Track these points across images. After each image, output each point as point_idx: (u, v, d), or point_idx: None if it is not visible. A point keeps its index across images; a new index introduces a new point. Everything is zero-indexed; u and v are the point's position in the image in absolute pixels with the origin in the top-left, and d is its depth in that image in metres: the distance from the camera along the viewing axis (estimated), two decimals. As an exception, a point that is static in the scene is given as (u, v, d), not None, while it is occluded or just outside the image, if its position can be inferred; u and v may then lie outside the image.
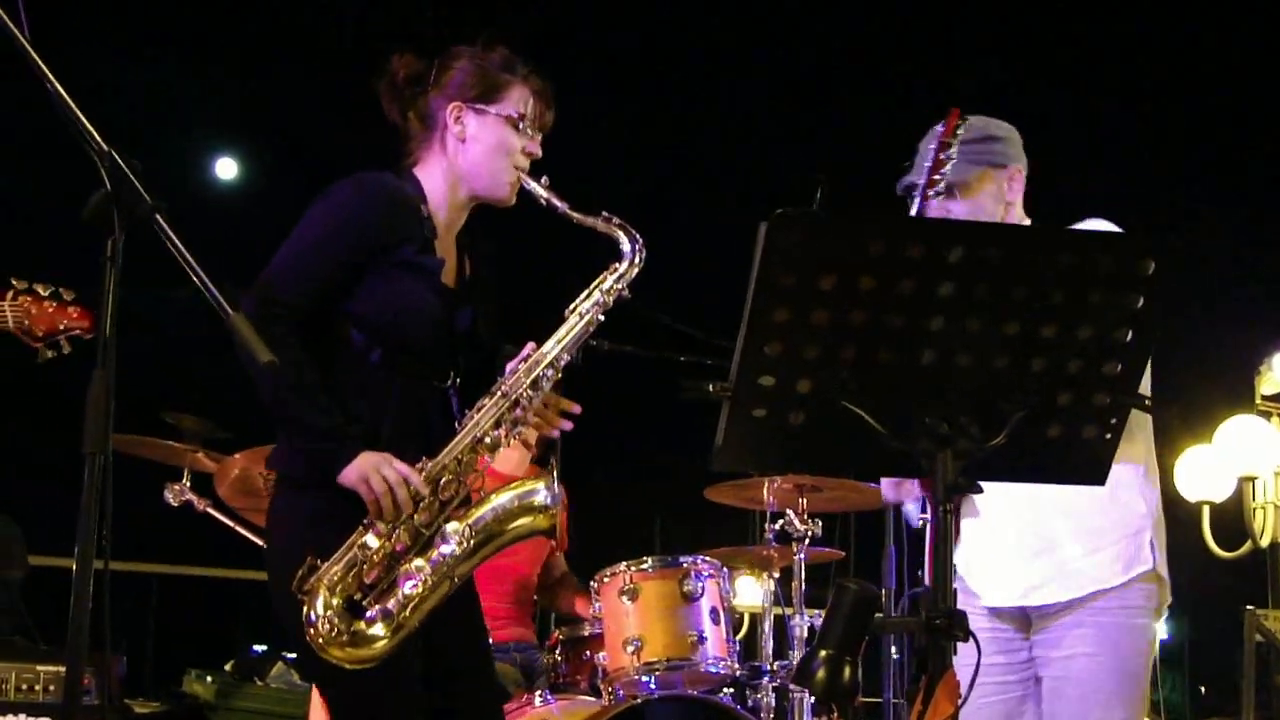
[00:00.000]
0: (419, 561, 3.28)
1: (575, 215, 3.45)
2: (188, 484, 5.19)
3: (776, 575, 5.50)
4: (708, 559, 4.90)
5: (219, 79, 9.04)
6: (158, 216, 2.49)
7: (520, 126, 3.48)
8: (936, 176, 3.33)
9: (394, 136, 3.62)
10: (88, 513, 2.39)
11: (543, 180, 3.49)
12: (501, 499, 3.39)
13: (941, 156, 3.33)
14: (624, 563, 4.84)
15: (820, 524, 5.29)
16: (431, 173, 3.51)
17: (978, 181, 3.52)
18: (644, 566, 4.82)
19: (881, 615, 2.60)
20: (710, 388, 2.54)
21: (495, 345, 3.66)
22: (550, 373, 3.44)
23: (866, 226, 2.43)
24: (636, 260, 3.47)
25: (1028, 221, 3.59)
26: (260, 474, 4.86)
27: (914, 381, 2.51)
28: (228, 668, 6.08)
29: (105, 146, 2.48)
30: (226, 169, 9.93)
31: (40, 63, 2.49)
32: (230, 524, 5.17)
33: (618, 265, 3.47)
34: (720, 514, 6.06)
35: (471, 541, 3.32)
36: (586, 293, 3.48)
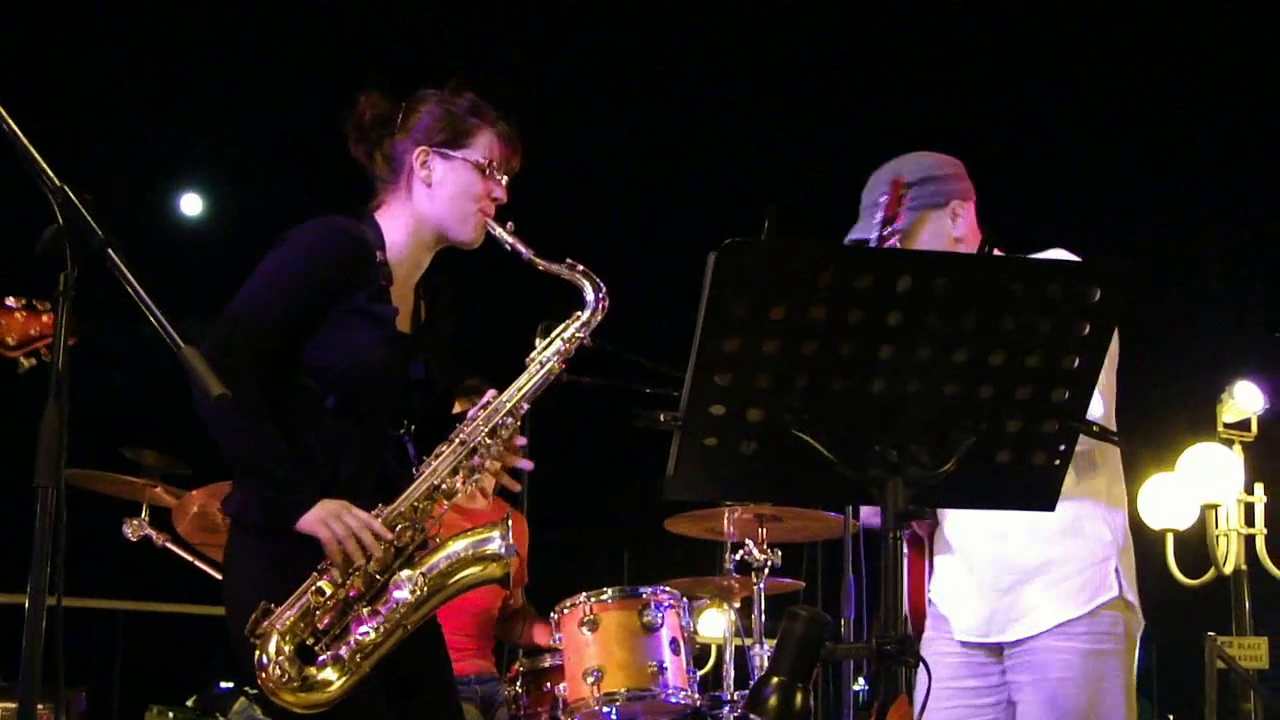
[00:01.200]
0: (372, 608, 3.29)
1: (539, 262, 3.46)
2: (146, 519, 5.18)
3: (738, 605, 5.51)
4: (667, 589, 4.91)
5: (184, 115, 9.04)
6: (110, 251, 2.50)
7: (487, 171, 3.49)
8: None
9: (360, 175, 3.63)
10: (40, 545, 2.39)
11: (508, 226, 3.49)
12: (456, 547, 3.40)
13: (885, 232, 3.38)
14: (584, 593, 4.85)
15: (780, 554, 5.31)
16: (394, 217, 3.52)
17: (917, 226, 3.55)
18: (604, 597, 4.83)
19: (832, 643, 2.60)
20: (661, 417, 2.56)
21: (450, 392, 3.67)
22: (510, 421, 3.45)
23: (815, 256, 2.44)
24: (599, 309, 3.47)
25: (996, 252, 3.60)
26: (219, 510, 4.85)
27: (864, 409, 2.52)
28: (189, 703, 6.04)
29: (58, 181, 2.49)
30: (191, 205, 9.90)
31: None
32: (189, 559, 5.16)
33: (580, 313, 3.48)
34: (687, 545, 6.07)
35: (425, 589, 3.33)
36: (548, 341, 3.49)
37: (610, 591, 4.86)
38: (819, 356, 2.47)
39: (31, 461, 2.44)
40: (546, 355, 3.48)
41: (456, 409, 3.67)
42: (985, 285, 2.50)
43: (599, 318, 3.49)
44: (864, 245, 3.53)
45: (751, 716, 5.06)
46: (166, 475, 5.24)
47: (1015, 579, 3.46)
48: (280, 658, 3.21)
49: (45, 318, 3.93)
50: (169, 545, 5.18)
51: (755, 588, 5.27)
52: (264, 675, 3.21)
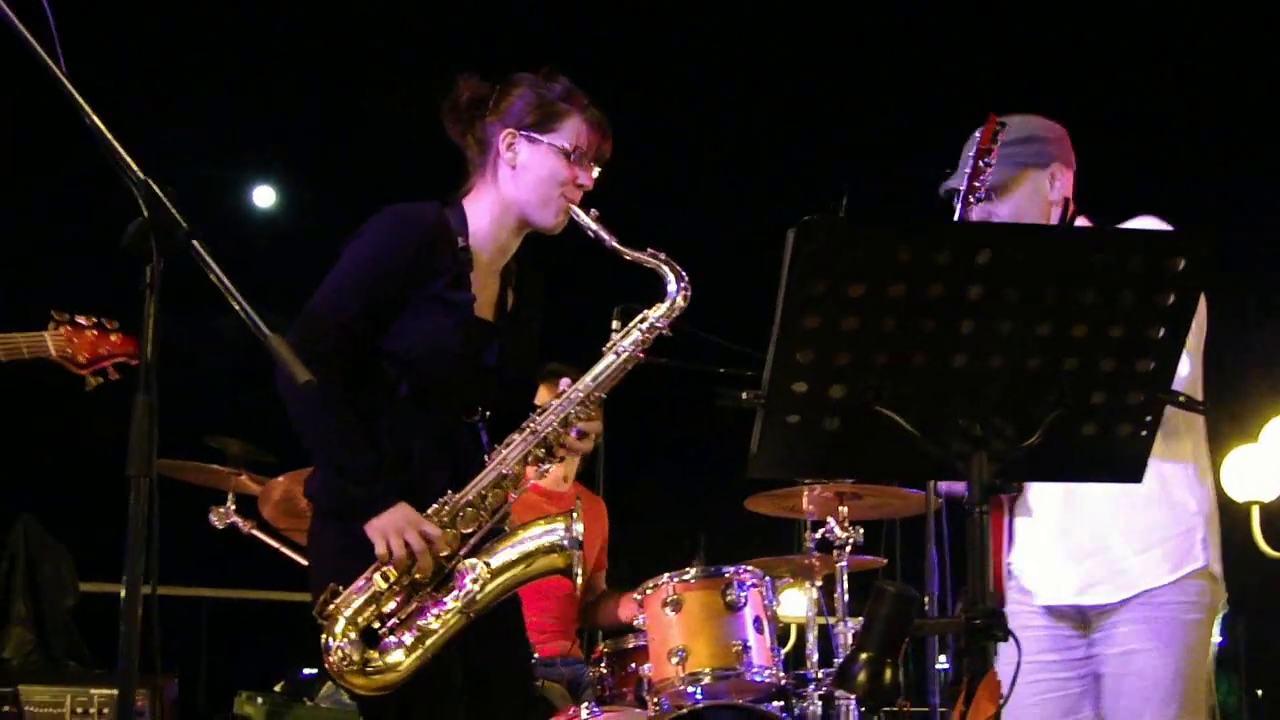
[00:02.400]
0: (437, 595, 3.32)
1: (623, 250, 3.44)
2: (232, 506, 5.23)
3: (819, 584, 5.49)
4: (750, 568, 4.91)
5: (256, 106, 9.10)
6: (195, 242, 2.53)
7: (573, 157, 3.48)
8: (976, 184, 3.35)
9: (437, 168, 3.63)
10: (134, 534, 2.42)
11: (592, 213, 3.48)
12: (521, 537, 3.42)
13: (980, 164, 3.35)
14: (666, 574, 4.86)
15: (862, 531, 5.29)
16: (480, 202, 3.52)
17: (1015, 182, 3.52)
18: (687, 577, 4.83)
19: (919, 618, 2.59)
20: (744, 395, 2.56)
21: (526, 380, 3.68)
22: (582, 410, 3.45)
23: (893, 233, 2.43)
24: (680, 300, 3.45)
25: (1081, 221, 3.58)
26: (303, 493, 4.89)
27: (947, 384, 2.51)
28: (278, 689, 6.11)
29: (141, 175, 2.52)
30: (264, 197, 9.94)
31: (77, 95, 2.53)
32: (275, 545, 5.20)
33: (661, 304, 3.47)
34: (764, 525, 6.06)
35: (489, 578, 3.35)
36: (625, 330, 3.48)
37: (693, 571, 4.86)
38: (899, 332, 2.47)
39: (121, 454, 2.48)
40: (624, 345, 3.47)
41: (542, 393, 3.68)
42: (1066, 257, 2.49)
43: (680, 308, 3.46)
44: (956, 194, 3.51)
45: (838, 693, 5.08)
46: (251, 463, 5.29)
47: (1099, 544, 3.45)
48: (345, 640, 3.25)
49: (114, 337, 4.01)
50: (255, 532, 5.23)
51: (837, 566, 5.26)
52: (329, 658, 3.27)
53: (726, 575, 4.82)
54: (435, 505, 3.34)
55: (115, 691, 5.14)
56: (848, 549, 5.23)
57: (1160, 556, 3.42)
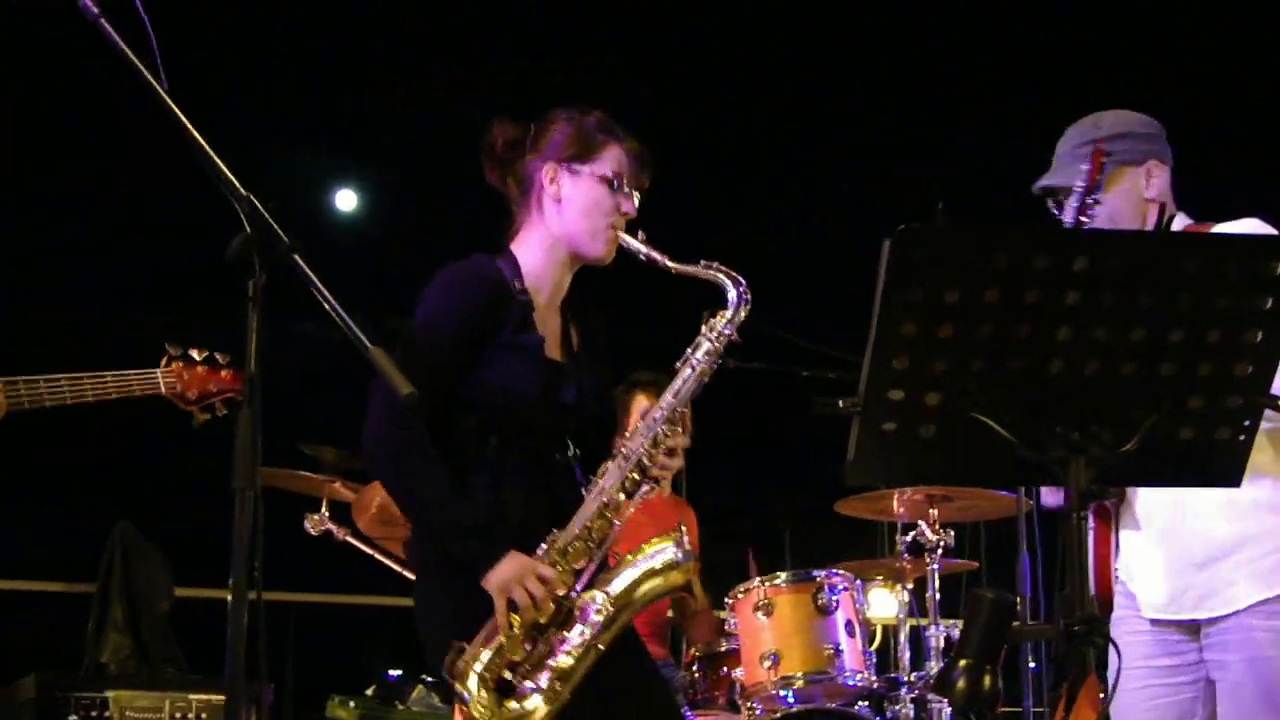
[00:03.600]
0: (563, 634, 3.31)
1: (676, 266, 3.44)
2: (326, 514, 5.28)
3: (910, 586, 5.49)
4: (840, 572, 4.91)
5: (339, 109, 9.13)
6: (295, 256, 2.57)
7: (615, 185, 3.48)
8: (1084, 219, 3.31)
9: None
10: (239, 546, 2.46)
11: (639, 235, 3.49)
12: (635, 563, 3.41)
13: (1088, 201, 3.32)
14: (758, 578, 4.87)
15: (952, 534, 5.27)
16: (530, 243, 3.53)
17: (1111, 182, 3.47)
18: (777, 581, 4.84)
19: (1018, 623, 2.59)
20: (840, 403, 2.57)
21: (607, 413, 3.69)
22: (668, 428, 3.45)
23: (990, 239, 2.44)
24: (742, 305, 3.45)
25: (1180, 217, 3.55)
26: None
27: (1043, 390, 2.52)
28: (369, 692, 6.16)
29: (244, 191, 2.56)
30: (347, 201, 9.93)
31: (179, 113, 2.58)
32: (369, 552, 5.24)
33: (724, 311, 3.46)
34: (850, 527, 6.06)
35: (611, 608, 3.34)
36: (695, 343, 3.47)
37: (784, 575, 4.87)
38: (995, 338, 2.47)
39: (213, 460, 2.51)
40: (697, 358, 3.46)
41: (640, 400, 3.67)
42: (1162, 263, 2.48)
43: (744, 313, 3.46)
44: (1054, 193, 3.51)
45: (930, 696, 5.07)
46: (344, 470, 5.33)
47: (1210, 555, 3.39)
48: (481, 694, 3.24)
49: (224, 373, 4.06)
50: (349, 539, 5.27)
51: (929, 569, 5.24)
52: (467, 711, 3.27)
53: (818, 579, 4.83)
54: (544, 545, 3.34)
55: (212, 697, 5.26)
56: (939, 551, 5.22)
57: (1272, 566, 3.35)
